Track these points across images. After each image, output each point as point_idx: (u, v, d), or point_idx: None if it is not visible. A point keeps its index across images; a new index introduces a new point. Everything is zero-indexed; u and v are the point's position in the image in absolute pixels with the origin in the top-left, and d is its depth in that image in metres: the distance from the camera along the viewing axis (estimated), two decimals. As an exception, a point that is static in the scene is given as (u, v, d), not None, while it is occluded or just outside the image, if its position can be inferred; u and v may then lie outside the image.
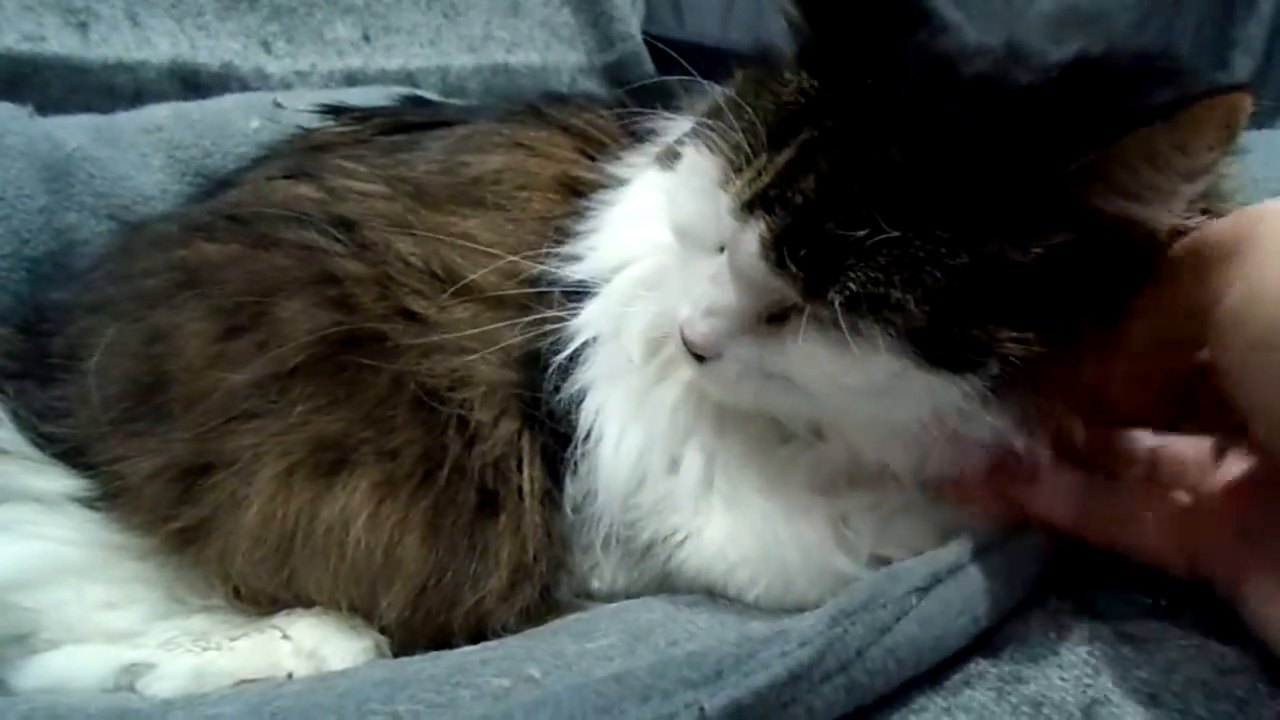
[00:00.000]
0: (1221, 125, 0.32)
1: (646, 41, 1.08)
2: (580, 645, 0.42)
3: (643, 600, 0.49)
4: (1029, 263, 0.35)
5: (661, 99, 0.53)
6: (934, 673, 0.38)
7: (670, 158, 0.45)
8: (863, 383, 0.37)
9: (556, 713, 0.32)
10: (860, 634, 0.36)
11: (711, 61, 0.58)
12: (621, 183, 0.53)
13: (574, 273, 0.50)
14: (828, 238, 0.35)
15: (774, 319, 0.39)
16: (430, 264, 0.51)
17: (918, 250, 0.34)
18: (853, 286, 0.34)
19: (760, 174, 0.37)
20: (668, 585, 0.50)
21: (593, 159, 0.55)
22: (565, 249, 0.51)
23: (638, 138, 0.54)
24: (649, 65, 1.07)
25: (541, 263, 0.50)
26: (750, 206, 0.37)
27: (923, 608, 0.38)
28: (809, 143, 0.36)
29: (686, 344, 0.41)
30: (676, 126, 0.50)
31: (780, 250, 0.36)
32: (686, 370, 0.46)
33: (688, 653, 0.35)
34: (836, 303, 0.35)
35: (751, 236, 0.37)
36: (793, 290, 0.36)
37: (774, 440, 0.47)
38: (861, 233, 0.34)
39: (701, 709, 0.32)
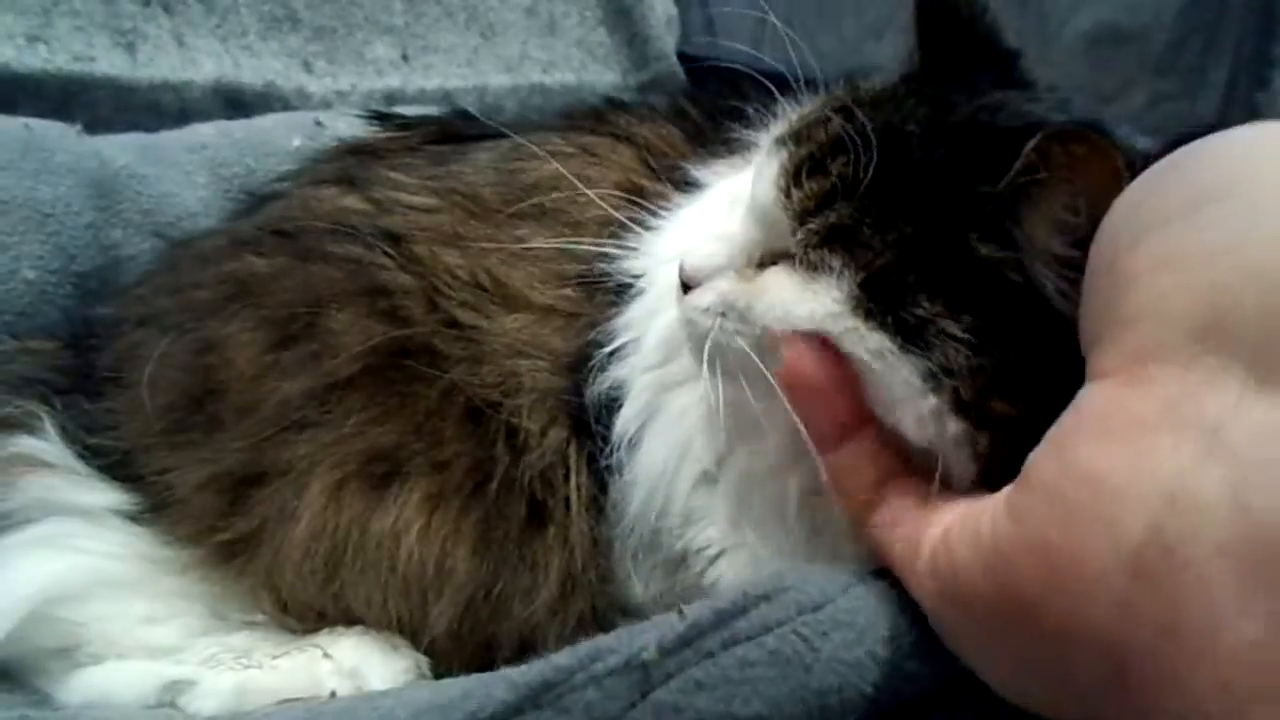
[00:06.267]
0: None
1: (681, 61, 1.08)
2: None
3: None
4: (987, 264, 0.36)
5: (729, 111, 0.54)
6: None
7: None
8: (809, 315, 0.39)
9: None
10: (806, 597, 0.35)
11: (744, 82, 0.58)
12: (700, 186, 0.53)
13: (630, 267, 0.51)
14: (829, 175, 0.39)
15: (760, 266, 0.42)
16: (477, 276, 0.51)
17: (895, 205, 0.38)
18: (833, 219, 0.39)
19: (800, 119, 0.43)
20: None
21: (654, 170, 0.55)
22: (627, 242, 0.51)
23: (725, 147, 0.54)
24: (683, 85, 1.07)
25: (597, 264, 0.50)
26: (781, 141, 0.42)
27: (869, 584, 0.37)
28: (844, 108, 0.41)
29: (681, 271, 0.43)
30: (756, 139, 0.51)
31: (789, 180, 0.40)
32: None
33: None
34: (815, 227, 0.39)
35: (774, 164, 0.41)
36: (788, 219, 0.40)
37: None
38: (861, 175, 0.38)
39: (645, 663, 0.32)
